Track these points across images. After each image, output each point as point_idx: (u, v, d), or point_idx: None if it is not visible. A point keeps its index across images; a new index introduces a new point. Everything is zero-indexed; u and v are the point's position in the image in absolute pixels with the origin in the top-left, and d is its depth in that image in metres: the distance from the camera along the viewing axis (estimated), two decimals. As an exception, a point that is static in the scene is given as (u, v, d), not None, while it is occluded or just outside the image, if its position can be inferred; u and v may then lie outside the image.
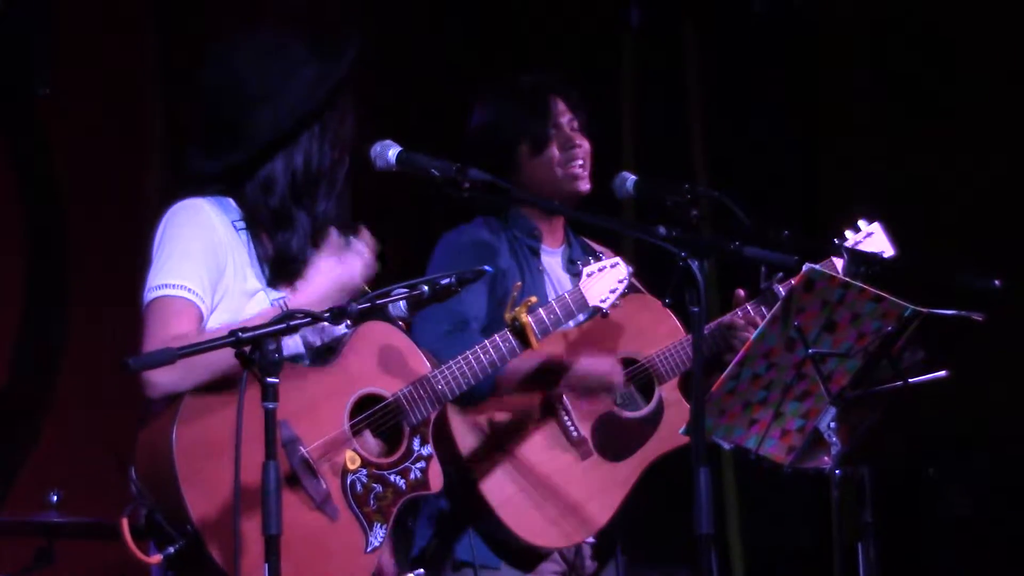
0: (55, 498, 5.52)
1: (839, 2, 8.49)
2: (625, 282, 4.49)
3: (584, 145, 4.93)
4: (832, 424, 4.23)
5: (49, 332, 6.63)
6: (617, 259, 4.53)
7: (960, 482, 7.66)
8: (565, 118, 4.93)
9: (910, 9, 8.22)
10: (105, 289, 6.51)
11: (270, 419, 3.53)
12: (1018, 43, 7.93)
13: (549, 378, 4.66)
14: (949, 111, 8.14)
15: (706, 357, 4.83)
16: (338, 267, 3.97)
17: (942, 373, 4.23)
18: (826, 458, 4.27)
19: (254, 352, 3.55)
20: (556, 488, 4.65)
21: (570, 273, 4.93)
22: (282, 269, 3.97)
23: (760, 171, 8.16)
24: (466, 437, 4.59)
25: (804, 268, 4.18)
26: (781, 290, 4.85)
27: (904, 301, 4.16)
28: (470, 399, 4.55)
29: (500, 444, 4.62)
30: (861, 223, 5.01)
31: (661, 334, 4.85)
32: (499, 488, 4.58)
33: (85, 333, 6.57)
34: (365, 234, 4.04)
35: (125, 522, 3.72)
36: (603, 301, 4.46)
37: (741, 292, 4.89)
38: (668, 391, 4.86)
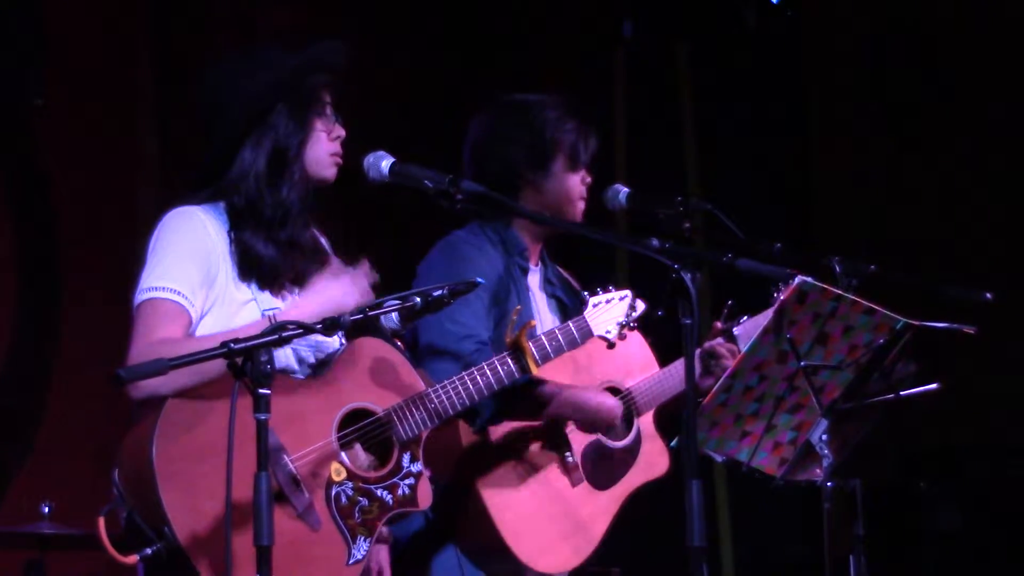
0: (47, 509, 5.52)
1: (831, 15, 8.51)
2: (636, 314, 4.47)
3: (590, 184, 4.93)
4: (824, 436, 4.23)
5: (41, 344, 6.63)
6: (626, 292, 4.50)
7: (950, 496, 7.67)
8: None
9: (905, 25, 8.25)
10: (97, 300, 6.51)
11: (262, 430, 3.52)
12: (1013, 62, 7.96)
13: (556, 407, 4.65)
14: (944, 127, 8.16)
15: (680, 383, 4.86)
16: (334, 289, 3.97)
17: (934, 386, 4.23)
18: (818, 470, 4.27)
19: (246, 363, 3.55)
20: (553, 514, 4.64)
21: (545, 292, 4.92)
22: (247, 265, 3.96)
23: (753, 183, 8.17)
24: (474, 460, 4.58)
25: (796, 280, 4.19)
26: (737, 331, 4.87)
27: (896, 314, 4.17)
28: (483, 423, 4.56)
29: (506, 468, 4.61)
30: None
31: (636, 364, 4.85)
32: (504, 510, 4.57)
33: (77, 344, 6.56)
34: (365, 264, 4.04)
35: (101, 521, 3.74)
36: (608, 332, 4.45)
37: (718, 324, 4.90)
38: (644, 424, 4.86)
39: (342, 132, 4.09)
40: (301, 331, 3.68)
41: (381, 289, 4.00)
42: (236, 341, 3.56)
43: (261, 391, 3.53)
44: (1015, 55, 7.96)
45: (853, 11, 8.45)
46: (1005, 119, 7.96)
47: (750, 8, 8.33)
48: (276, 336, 3.61)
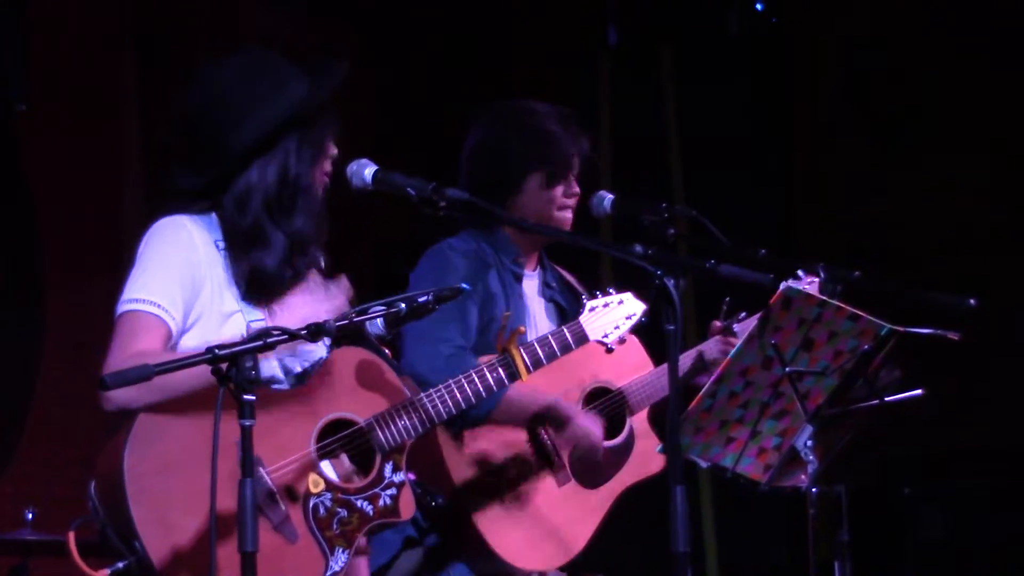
0: (30, 516, 5.50)
1: (815, 21, 8.53)
2: (635, 318, 4.42)
3: (578, 195, 4.91)
4: (809, 442, 4.23)
5: (24, 350, 6.61)
6: (625, 295, 4.44)
7: (934, 501, 7.68)
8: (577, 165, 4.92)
9: (888, 31, 8.27)
10: (81, 304, 6.49)
11: (246, 436, 3.52)
12: (995, 68, 7.98)
13: (540, 417, 4.66)
14: (927, 132, 8.18)
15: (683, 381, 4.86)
16: (307, 307, 3.94)
17: (918, 392, 4.23)
18: (803, 476, 4.27)
19: (230, 369, 3.54)
20: (538, 513, 4.64)
21: (544, 297, 4.91)
22: (257, 287, 3.93)
23: (738, 189, 8.18)
24: (456, 460, 4.57)
25: (781, 286, 4.19)
26: (737, 328, 4.86)
27: (880, 320, 4.17)
28: (463, 424, 4.55)
29: (488, 468, 4.61)
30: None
31: (630, 365, 4.85)
32: (486, 511, 4.57)
33: (60, 352, 6.55)
34: (344, 281, 4.01)
35: (72, 536, 3.74)
36: (605, 336, 4.40)
37: (717, 323, 4.90)
38: (638, 422, 4.86)
39: (336, 152, 4.06)
40: (286, 337, 3.67)
41: (366, 296, 3.98)
42: (221, 347, 3.55)
43: (246, 397, 3.52)
44: (997, 61, 7.99)
45: (837, 17, 8.47)
46: (988, 125, 7.98)
47: (734, 14, 8.34)
48: (261, 342, 3.60)
